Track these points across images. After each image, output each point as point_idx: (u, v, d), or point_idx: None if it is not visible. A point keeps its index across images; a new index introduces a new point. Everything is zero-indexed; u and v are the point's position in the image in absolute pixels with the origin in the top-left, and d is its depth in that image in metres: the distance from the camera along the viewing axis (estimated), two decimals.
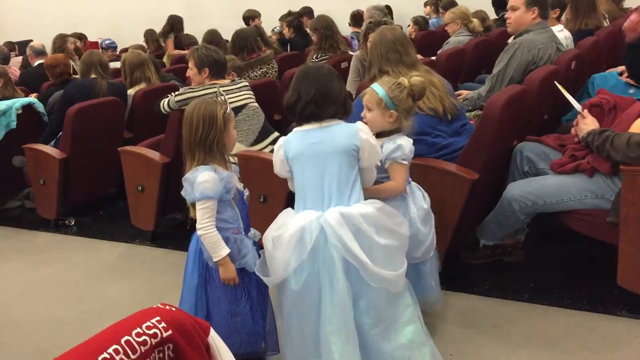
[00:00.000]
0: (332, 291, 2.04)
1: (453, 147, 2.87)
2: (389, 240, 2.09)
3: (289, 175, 2.21)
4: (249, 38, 4.80)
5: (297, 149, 2.14)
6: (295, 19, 7.43)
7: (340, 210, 2.05)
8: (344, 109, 2.16)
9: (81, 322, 3.00)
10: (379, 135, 2.31)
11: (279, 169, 2.21)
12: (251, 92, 3.73)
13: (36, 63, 6.17)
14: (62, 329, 2.96)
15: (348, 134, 2.11)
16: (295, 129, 2.20)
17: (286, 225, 2.10)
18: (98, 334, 1.12)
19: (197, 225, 2.12)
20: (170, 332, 1.17)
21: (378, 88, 2.33)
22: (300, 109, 2.14)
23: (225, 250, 2.13)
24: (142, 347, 1.11)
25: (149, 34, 8.42)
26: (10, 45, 9.36)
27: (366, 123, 2.28)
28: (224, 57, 3.72)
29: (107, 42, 7.86)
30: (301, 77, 2.18)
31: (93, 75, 4.47)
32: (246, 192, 2.31)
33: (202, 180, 2.07)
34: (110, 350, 1.07)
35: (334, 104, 2.13)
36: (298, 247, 2.04)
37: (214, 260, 2.13)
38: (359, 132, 2.12)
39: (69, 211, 4.41)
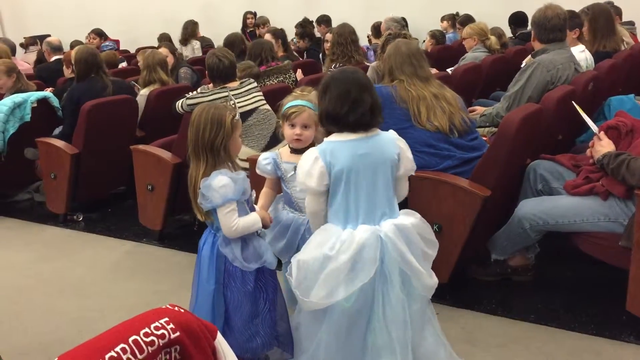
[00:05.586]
0: (385, 305, 2.02)
1: (461, 156, 2.86)
2: (430, 250, 2.13)
3: (324, 190, 2.04)
4: (264, 48, 4.81)
5: (346, 162, 2.00)
6: (302, 28, 7.42)
7: (394, 222, 2.04)
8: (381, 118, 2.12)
9: (84, 318, 3.00)
10: (302, 150, 2.25)
11: (315, 183, 2.01)
12: (260, 94, 3.69)
13: (54, 58, 6.21)
14: (64, 324, 2.95)
15: (390, 143, 2.08)
16: (334, 139, 2.05)
17: (343, 243, 1.99)
18: (106, 332, 1.12)
19: (227, 230, 2.07)
20: (178, 333, 1.16)
21: (309, 104, 2.30)
22: (355, 119, 2.00)
23: (258, 219, 2.15)
24: (149, 348, 1.10)
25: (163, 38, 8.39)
26: (32, 40, 9.45)
27: (299, 140, 2.30)
28: (230, 62, 3.66)
29: (107, 45, 7.91)
30: (348, 84, 2.01)
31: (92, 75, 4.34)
32: (253, 194, 2.29)
33: (220, 185, 2.04)
34: (117, 349, 1.07)
35: (380, 114, 2.08)
36: (360, 266, 1.97)
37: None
38: (397, 140, 2.10)
39: (77, 206, 4.43)
